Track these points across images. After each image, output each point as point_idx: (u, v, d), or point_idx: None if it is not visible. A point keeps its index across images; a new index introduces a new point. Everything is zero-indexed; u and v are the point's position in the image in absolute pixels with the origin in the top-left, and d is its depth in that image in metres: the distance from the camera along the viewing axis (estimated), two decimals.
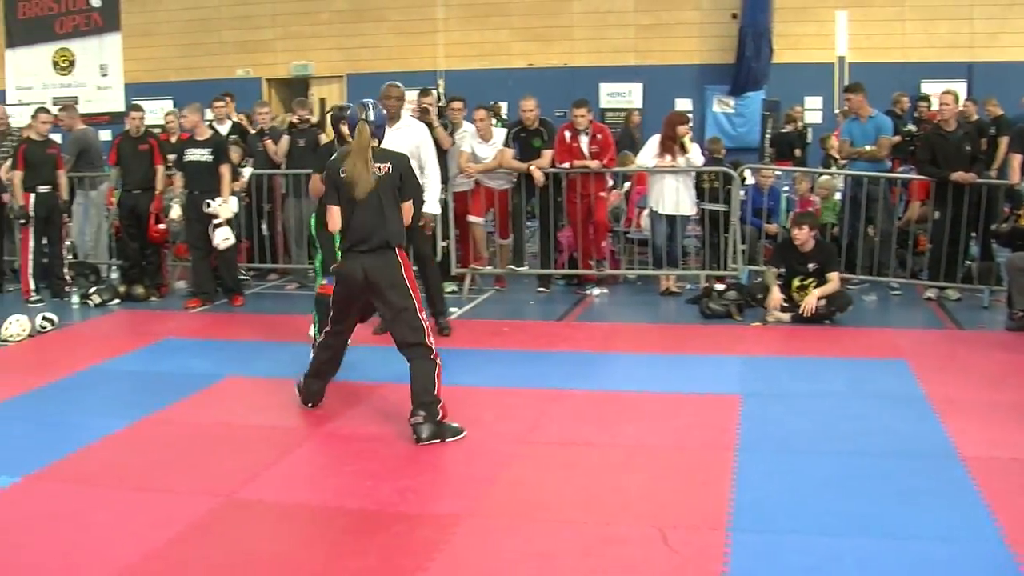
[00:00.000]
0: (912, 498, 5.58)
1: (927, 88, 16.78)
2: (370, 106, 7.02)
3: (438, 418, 6.66)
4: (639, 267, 12.57)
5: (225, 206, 11.13)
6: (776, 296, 10.11)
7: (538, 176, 11.53)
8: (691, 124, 12.34)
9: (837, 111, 17.33)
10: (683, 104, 18.98)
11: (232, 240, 11.23)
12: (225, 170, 11.23)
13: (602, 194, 11.98)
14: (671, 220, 11.60)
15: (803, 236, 10.11)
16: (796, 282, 10.19)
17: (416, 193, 7.22)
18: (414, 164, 9.59)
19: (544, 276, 12.15)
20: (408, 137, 9.52)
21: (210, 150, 11.23)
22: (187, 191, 11.40)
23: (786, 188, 13.36)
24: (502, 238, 12.26)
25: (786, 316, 10.01)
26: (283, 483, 6.00)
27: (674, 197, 11.52)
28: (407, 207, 6.85)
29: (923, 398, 7.44)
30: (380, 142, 6.99)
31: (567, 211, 12.06)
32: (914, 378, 7.97)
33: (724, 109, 19.85)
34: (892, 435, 6.68)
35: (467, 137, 11.81)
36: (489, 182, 11.87)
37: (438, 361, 6.72)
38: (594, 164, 11.65)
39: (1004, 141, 11.84)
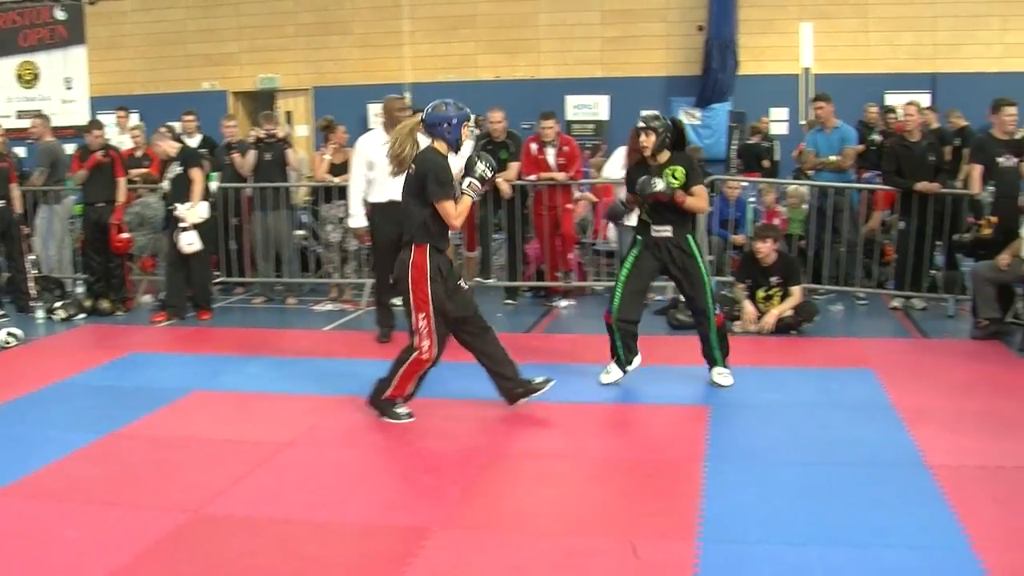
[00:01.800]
0: (880, 506, 5.60)
1: (891, 99, 16.86)
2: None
3: (381, 396, 7.26)
4: (606, 278, 12.57)
5: (193, 210, 11.07)
6: (750, 310, 10.16)
7: (505, 188, 11.55)
8: None
9: (803, 122, 17.42)
10: None
11: (197, 245, 11.12)
12: (195, 175, 11.17)
13: (569, 206, 12.00)
14: None
15: (765, 249, 10.15)
16: (761, 293, 10.25)
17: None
18: None
19: (511, 288, 12.15)
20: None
21: (179, 162, 11.18)
22: (167, 206, 11.38)
23: (752, 199, 13.41)
24: (469, 251, 12.26)
25: (755, 327, 10.05)
26: (252, 497, 5.95)
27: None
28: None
29: (890, 407, 7.48)
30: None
31: (534, 223, 12.08)
32: (881, 387, 8.01)
33: (691, 121, 19.86)
34: (859, 444, 6.71)
35: None
36: None
37: (414, 356, 7.12)
38: (561, 176, 11.67)
39: (968, 152, 11.92)
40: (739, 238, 12.46)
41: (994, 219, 10.03)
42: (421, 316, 7.02)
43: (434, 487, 6.08)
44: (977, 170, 10.48)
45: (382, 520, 5.55)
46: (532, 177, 11.70)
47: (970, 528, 5.22)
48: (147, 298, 12.61)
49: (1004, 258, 9.60)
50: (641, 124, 7.99)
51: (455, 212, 6.99)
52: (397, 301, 11.09)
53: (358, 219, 9.77)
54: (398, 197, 9.36)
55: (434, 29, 21.14)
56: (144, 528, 5.41)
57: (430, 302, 7.00)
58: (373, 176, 9.54)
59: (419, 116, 7.08)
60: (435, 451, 6.69)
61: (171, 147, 11.30)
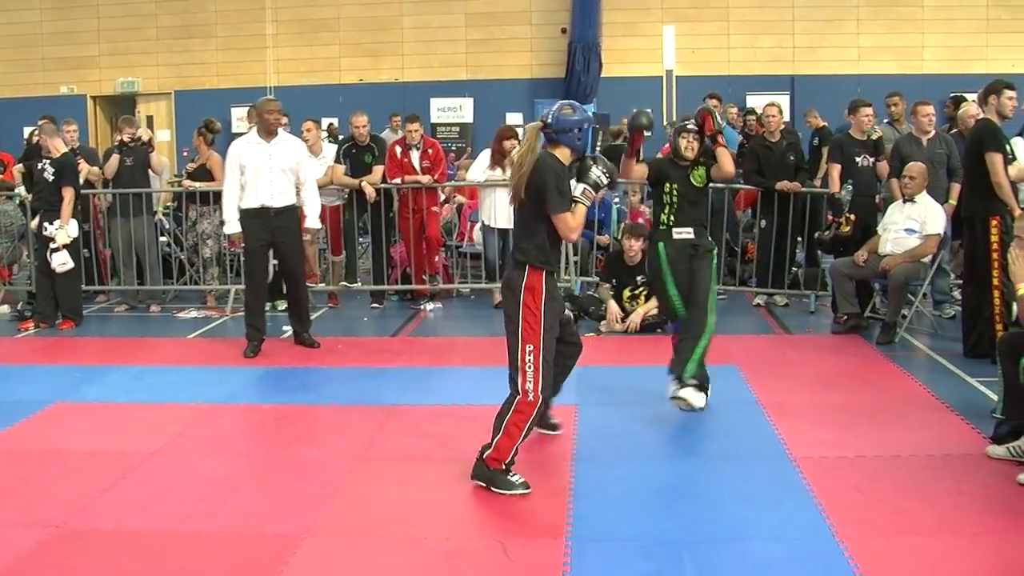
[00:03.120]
0: (747, 500, 5.68)
1: (752, 100, 17.14)
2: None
3: (489, 455, 6.02)
4: (472, 281, 12.56)
5: (62, 231, 10.77)
6: (615, 310, 10.21)
7: (369, 191, 11.44)
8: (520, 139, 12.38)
9: (666, 123, 17.61)
10: (514, 118, 19.11)
11: (69, 265, 10.84)
12: (68, 193, 10.84)
13: (435, 209, 11.94)
14: (503, 233, 11.60)
15: (637, 247, 10.22)
16: (627, 293, 10.32)
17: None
18: (293, 179, 9.50)
19: (378, 292, 12.04)
20: (287, 152, 9.54)
21: (54, 170, 10.85)
22: (34, 214, 11.10)
23: (617, 200, 13.48)
24: (334, 255, 12.12)
25: (621, 327, 10.11)
26: (116, 510, 5.78)
27: (506, 211, 11.51)
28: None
29: (755, 402, 7.60)
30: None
31: (399, 226, 11.99)
32: (745, 383, 8.14)
33: None
34: (726, 439, 6.81)
35: None
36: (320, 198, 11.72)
37: (518, 401, 5.98)
38: (425, 179, 11.60)
39: (826, 151, 12.13)
40: (603, 239, 12.51)
41: (853, 217, 10.23)
42: (528, 349, 5.92)
43: (302, 494, 5.98)
44: (836, 169, 10.67)
45: (251, 529, 5.43)
46: (397, 180, 11.60)
47: (833, 517, 5.32)
48: (4, 308, 12.20)
49: (861, 254, 9.81)
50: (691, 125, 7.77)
51: (574, 224, 5.99)
52: (281, 305, 11.05)
53: (232, 224, 9.55)
54: (270, 203, 9.27)
55: (297, 32, 21.00)
56: (3, 545, 5.22)
57: (542, 333, 5.96)
58: (245, 181, 9.35)
59: (538, 123, 6.09)
60: (303, 457, 6.58)
61: (58, 147, 10.97)
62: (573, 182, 6.00)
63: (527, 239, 6.00)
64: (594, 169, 6.05)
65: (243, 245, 9.57)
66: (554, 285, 6.05)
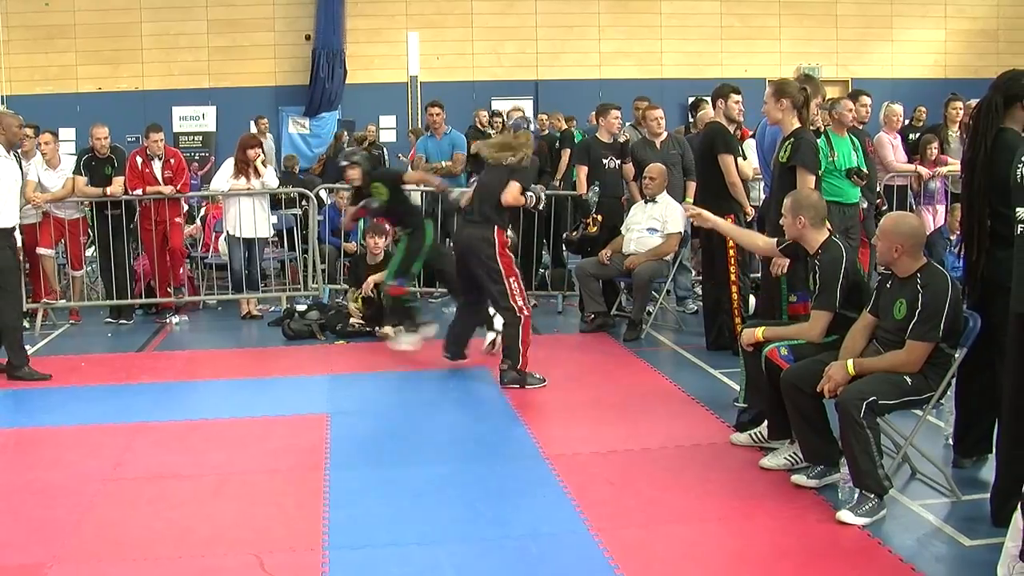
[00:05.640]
0: (503, 499, 5.76)
1: (497, 104, 17.34)
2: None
3: (518, 366, 7.99)
4: (219, 292, 12.29)
5: None
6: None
7: (116, 189, 11.06)
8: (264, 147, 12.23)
9: (410, 129, 17.65)
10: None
11: None
12: None
13: (177, 219, 11.61)
14: (249, 243, 11.40)
15: (379, 247, 10.21)
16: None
17: None
18: None
19: (119, 307, 11.60)
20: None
21: None
22: None
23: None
24: (74, 269, 11.66)
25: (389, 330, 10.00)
26: None
27: (251, 219, 11.33)
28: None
29: (506, 403, 7.69)
30: None
31: (142, 239, 11.62)
32: (497, 384, 8.17)
33: (299, 130, 19.86)
34: (480, 441, 6.87)
35: (34, 165, 11.16)
36: (58, 212, 11.25)
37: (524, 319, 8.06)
38: (167, 189, 11.28)
39: (567, 153, 12.35)
40: (351, 246, 12.39)
41: (600, 218, 10.44)
42: (511, 280, 8.09)
43: (46, 519, 5.69)
44: (583, 171, 10.86)
45: None
46: (138, 191, 11.24)
47: (586, 511, 5.43)
48: None
49: (606, 253, 10.03)
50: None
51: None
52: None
53: None
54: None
55: (31, 39, 20.13)
56: None
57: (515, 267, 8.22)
58: None
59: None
60: (47, 482, 6.27)
61: None
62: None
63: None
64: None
65: None
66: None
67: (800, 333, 6.05)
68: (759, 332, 6.14)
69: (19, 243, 10.51)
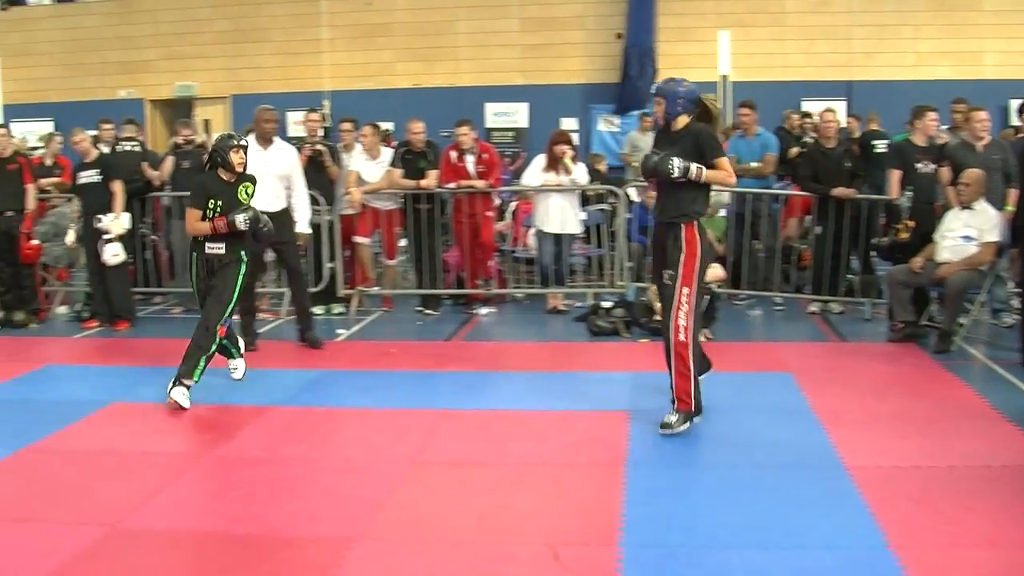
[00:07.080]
0: (799, 508, 5.64)
1: (807, 106, 17.02)
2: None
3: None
4: (526, 286, 12.57)
5: (116, 222, 10.95)
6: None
7: (430, 182, 11.53)
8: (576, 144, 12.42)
9: (720, 130, 17.51)
10: (569, 123, 19.11)
11: (122, 256, 11.04)
12: (116, 187, 11.05)
13: (488, 213, 11.95)
14: (557, 238, 11.62)
15: None
16: None
17: None
18: (283, 185, 9.68)
19: (430, 297, 12.04)
20: (281, 160, 9.84)
21: (98, 171, 11.03)
22: (83, 215, 11.27)
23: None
24: (388, 259, 12.18)
25: None
26: (170, 510, 5.83)
27: (560, 215, 11.54)
28: None
29: (809, 410, 7.54)
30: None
31: (454, 231, 12.03)
32: (799, 390, 8.07)
33: (609, 128, 19.99)
34: (779, 447, 6.75)
35: (355, 156, 11.75)
36: (375, 202, 11.79)
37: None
38: (480, 184, 11.62)
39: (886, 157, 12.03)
40: None
41: (911, 223, 10.14)
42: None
43: (354, 497, 5.99)
44: (895, 175, 10.60)
45: (301, 532, 5.44)
46: (452, 185, 11.63)
47: (886, 527, 5.27)
48: (63, 309, 12.35)
49: (918, 261, 9.72)
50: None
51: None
52: (336, 308, 11.23)
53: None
54: (266, 207, 9.21)
55: (353, 37, 21.07)
56: (60, 544, 5.26)
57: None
58: None
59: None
60: (355, 460, 6.61)
61: (90, 153, 11.18)
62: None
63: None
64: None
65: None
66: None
67: None
68: None
69: (338, 231, 11.19)
